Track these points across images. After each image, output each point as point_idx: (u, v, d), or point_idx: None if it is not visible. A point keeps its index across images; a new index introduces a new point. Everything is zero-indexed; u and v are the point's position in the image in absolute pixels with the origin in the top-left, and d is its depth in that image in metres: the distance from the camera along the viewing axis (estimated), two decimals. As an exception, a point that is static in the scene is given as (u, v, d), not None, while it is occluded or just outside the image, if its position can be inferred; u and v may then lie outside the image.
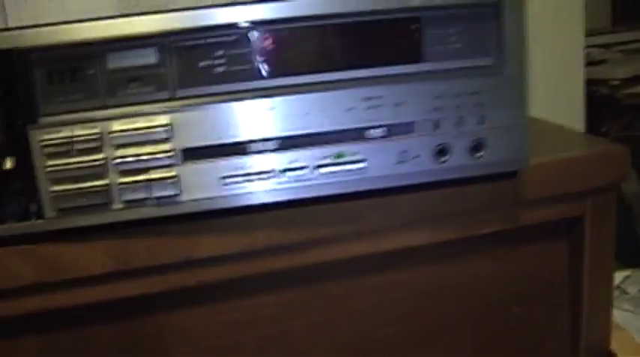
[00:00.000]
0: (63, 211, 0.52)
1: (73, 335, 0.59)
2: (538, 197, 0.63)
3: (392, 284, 0.65)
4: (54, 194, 0.52)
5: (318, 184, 0.55)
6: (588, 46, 1.19)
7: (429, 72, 0.54)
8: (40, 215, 0.52)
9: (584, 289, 0.68)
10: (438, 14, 0.54)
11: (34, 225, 0.52)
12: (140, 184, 0.52)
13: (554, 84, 0.95)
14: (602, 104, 1.45)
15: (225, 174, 0.53)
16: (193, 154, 0.53)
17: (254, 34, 0.52)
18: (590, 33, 1.18)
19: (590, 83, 1.23)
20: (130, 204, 0.53)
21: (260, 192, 0.54)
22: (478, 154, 0.56)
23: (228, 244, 0.57)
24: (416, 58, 0.54)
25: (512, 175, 0.59)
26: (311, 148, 0.54)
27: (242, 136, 0.53)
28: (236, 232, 0.57)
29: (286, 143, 0.54)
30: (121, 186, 0.52)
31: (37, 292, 0.56)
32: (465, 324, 0.67)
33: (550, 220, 0.65)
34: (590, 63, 1.24)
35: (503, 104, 0.56)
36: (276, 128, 0.53)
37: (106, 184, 0.52)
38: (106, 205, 0.52)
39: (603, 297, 0.69)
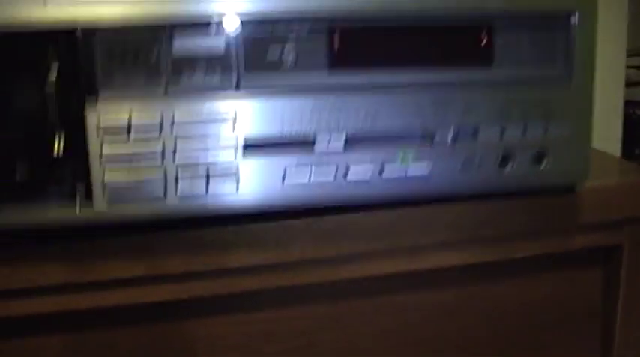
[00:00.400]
0: (113, 201, 0.49)
1: (99, 337, 0.57)
2: (575, 224, 0.62)
3: (420, 304, 0.64)
4: (106, 182, 0.49)
5: (381, 188, 0.53)
6: (627, 67, 1.18)
7: (498, 78, 0.54)
8: (88, 204, 0.49)
9: (617, 320, 0.67)
10: (511, 21, 0.53)
11: (82, 214, 0.49)
12: (198, 178, 0.50)
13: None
14: (638, 126, 1.44)
15: (286, 171, 0.52)
16: (255, 148, 0.51)
17: (327, 29, 0.50)
18: (629, 53, 1.16)
19: (627, 104, 1.21)
20: (186, 199, 0.50)
21: (321, 193, 0.53)
22: (540, 165, 0.56)
23: (262, 255, 0.55)
24: (486, 64, 0.54)
25: (571, 189, 0.60)
26: (376, 148, 0.53)
27: (306, 132, 0.52)
28: (271, 242, 0.55)
29: (352, 142, 0.52)
30: (178, 178, 0.50)
31: (65, 291, 0.53)
32: (492, 349, 0.66)
33: (586, 248, 0.64)
34: (628, 84, 1.23)
35: (568, 115, 0.56)
36: (341, 126, 0.52)
37: (162, 176, 0.50)
38: (160, 199, 0.50)
39: (636, 328, 0.68)
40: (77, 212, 0.49)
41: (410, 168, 0.53)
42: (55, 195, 0.49)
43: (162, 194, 0.49)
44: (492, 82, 0.53)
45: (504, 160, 0.55)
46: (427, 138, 0.53)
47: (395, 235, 0.57)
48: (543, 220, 0.60)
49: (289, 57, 0.50)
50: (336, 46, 0.50)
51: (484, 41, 0.53)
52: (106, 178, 0.49)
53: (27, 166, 0.48)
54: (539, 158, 0.56)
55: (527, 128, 0.55)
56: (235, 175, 0.50)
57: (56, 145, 0.48)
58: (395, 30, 0.51)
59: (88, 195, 0.49)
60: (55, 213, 0.49)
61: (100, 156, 0.48)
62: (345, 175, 0.52)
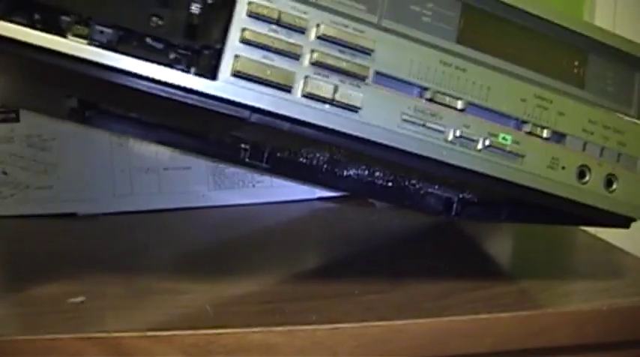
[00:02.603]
0: (239, 76, 0.47)
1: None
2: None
3: None
4: (239, 57, 0.47)
5: (480, 159, 0.54)
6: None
7: (587, 98, 0.58)
8: (214, 76, 0.47)
9: None
10: (602, 52, 0.58)
11: (204, 85, 0.47)
12: (327, 84, 0.49)
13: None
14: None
15: (406, 111, 0.51)
16: (384, 79, 0.51)
17: (461, 6, 0.54)
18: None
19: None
20: (310, 98, 0.49)
21: (430, 145, 0.53)
22: (610, 188, 0.59)
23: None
24: (580, 85, 0.58)
25: (628, 223, 0.61)
26: (485, 120, 0.54)
27: (431, 84, 0.52)
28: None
29: (467, 107, 0.53)
30: (308, 77, 0.49)
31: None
32: None
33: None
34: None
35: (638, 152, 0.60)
36: (461, 89, 0.53)
37: (294, 71, 0.48)
38: (286, 90, 0.48)
39: None
40: (195, 84, 0.47)
41: (507, 149, 0.54)
42: (182, 58, 0.47)
43: (289, 85, 0.48)
44: (582, 100, 0.58)
45: (582, 174, 0.58)
46: (526, 127, 0.56)
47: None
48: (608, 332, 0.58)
49: (426, 17, 0.53)
50: (464, 23, 0.54)
51: (580, 65, 0.58)
52: (240, 51, 0.47)
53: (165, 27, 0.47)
54: (609, 182, 0.59)
55: (604, 151, 0.58)
56: (359, 99, 0.50)
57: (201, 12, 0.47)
58: (515, 25, 0.56)
59: (217, 66, 0.47)
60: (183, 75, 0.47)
61: (241, 29, 0.47)
62: (456, 136, 0.53)
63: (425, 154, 0.52)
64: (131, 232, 0.80)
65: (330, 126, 0.50)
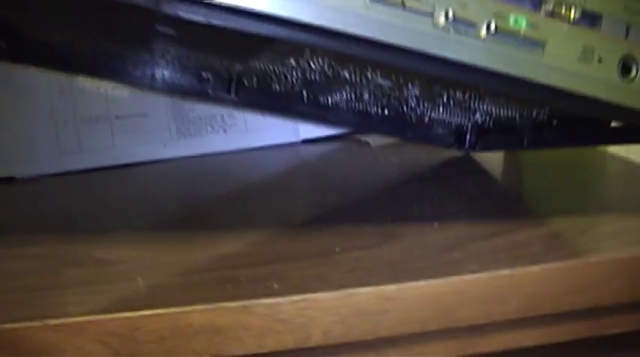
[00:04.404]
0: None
1: None
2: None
3: None
4: None
5: (484, 51, 0.40)
6: None
7: None
8: None
9: None
10: None
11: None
12: None
13: None
14: None
15: None
16: None
17: None
18: None
19: None
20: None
21: (413, 33, 0.38)
22: None
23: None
24: None
25: None
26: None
27: None
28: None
29: None
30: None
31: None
32: None
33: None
34: None
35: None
36: None
37: None
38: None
39: None
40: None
41: (522, 35, 0.41)
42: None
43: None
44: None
45: (626, 67, 0.43)
46: (546, 6, 0.41)
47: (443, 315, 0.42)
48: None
49: None
50: None
51: None
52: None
53: None
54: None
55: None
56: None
57: None
58: None
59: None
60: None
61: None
62: (448, 19, 0.39)
63: (407, 45, 0.38)
64: (79, 195, 0.67)
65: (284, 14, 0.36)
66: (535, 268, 0.43)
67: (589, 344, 0.48)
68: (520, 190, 0.66)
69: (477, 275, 0.42)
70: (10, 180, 0.69)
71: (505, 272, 0.42)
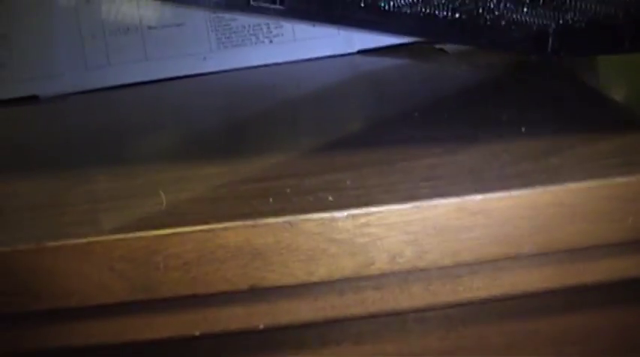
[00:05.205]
0: None
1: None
2: None
3: (578, 333, 0.40)
4: None
5: None
6: None
7: None
8: None
9: None
10: None
11: None
12: None
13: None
14: None
15: None
16: None
17: None
18: None
19: None
20: None
21: None
22: None
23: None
24: None
25: None
26: None
27: None
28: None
29: None
30: None
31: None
32: None
33: None
34: None
35: None
36: None
37: None
38: None
39: None
40: None
41: None
42: None
43: None
44: None
45: None
46: None
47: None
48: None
49: None
50: None
51: None
52: None
53: None
54: None
55: None
56: None
57: None
58: None
59: None
60: None
61: None
62: None
63: None
64: (106, 113, 0.59)
65: None
66: (657, 176, 0.34)
67: None
68: (616, 94, 0.57)
69: (582, 184, 0.34)
70: (33, 99, 0.63)
71: (618, 181, 0.34)
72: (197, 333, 0.33)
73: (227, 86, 0.64)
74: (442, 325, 0.37)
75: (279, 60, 0.66)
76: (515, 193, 0.32)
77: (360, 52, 0.68)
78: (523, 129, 0.41)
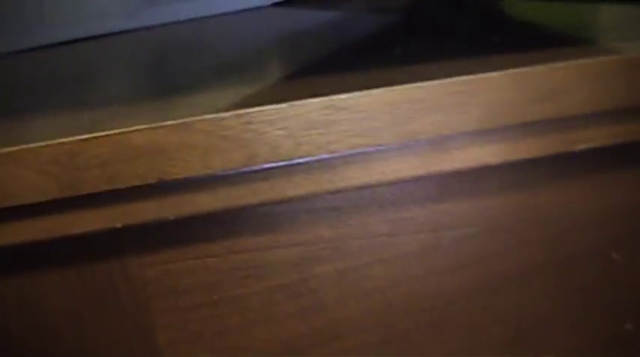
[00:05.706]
0: None
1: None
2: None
3: (452, 218, 0.46)
4: None
5: None
6: None
7: None
8: None
9: None
10: None
11: None
12: None
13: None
14: None
15: None
16: None
17: None
18: None
19: None
20: None
21: None
22: None
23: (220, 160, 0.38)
24: None
25: None
26: None
27: None
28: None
29: None
30: None
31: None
32: (547, 274, 0.47)
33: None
34: None
35: None
36: None
37: None
38: None
39: None
40: None
41: None
42: None
43: None
44: None
45: None
46: None
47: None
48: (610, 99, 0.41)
49: None
50: None
51: None
52: None
53: None
54: None
55: None
56: None
57: None
58: None
59: None
60: None
61: None
62: None
63: None
64: (39, 72, 0.63)
65: None
66: (494, 75, 0.40)
67: (556, 163, 0.47)
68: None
69: (432, 82, 0.40)
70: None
71: (463, 79, 0.40)
72: (119, 225, 0.39)
73: (154, 43, 0.68)
74: (331, 215, 0.44)
75: (202, 14, 0.71)
76: (375, 91, 0.39)
77: (274, 4, 0.73)
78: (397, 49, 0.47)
